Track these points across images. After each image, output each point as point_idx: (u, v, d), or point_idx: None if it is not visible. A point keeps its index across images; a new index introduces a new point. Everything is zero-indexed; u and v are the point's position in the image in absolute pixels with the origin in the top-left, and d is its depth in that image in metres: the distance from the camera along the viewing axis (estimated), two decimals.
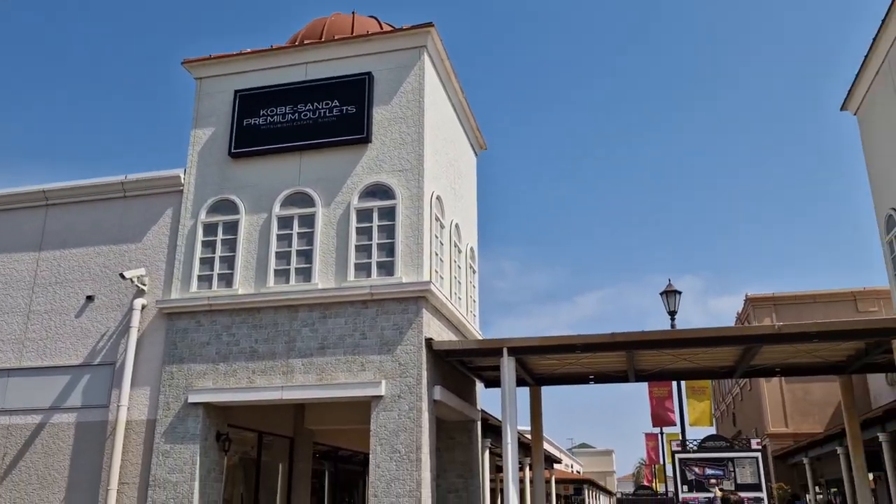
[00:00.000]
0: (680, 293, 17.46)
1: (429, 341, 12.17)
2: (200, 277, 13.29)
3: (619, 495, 50.39)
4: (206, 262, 13.37)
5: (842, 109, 16.67)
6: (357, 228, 12.93)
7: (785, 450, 28.95)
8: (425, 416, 11.72)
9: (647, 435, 36.74)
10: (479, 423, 15.43)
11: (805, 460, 26.37)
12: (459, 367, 14.12)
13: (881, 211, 15.21)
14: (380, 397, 11.83)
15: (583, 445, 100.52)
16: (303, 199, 13.36)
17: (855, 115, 16.37)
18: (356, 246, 12.83)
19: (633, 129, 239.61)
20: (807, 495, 30.33)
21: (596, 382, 15.32)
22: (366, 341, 12.23)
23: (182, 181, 13.98)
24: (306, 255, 13.01)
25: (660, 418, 19.32)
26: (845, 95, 16.23)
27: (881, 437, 17.95)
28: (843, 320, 11.08)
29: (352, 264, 12.70)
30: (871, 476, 27.90)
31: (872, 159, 15.68)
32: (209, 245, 13.48)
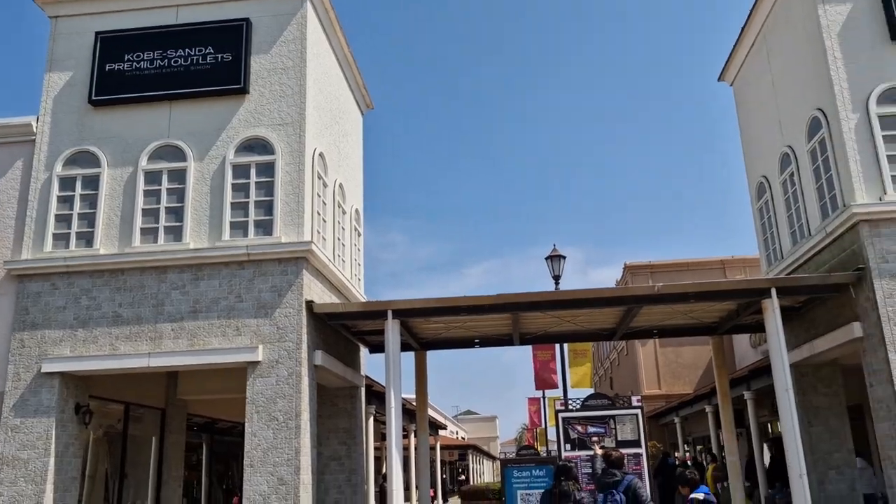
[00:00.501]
0: (564, 258, 17.67)
1: (309, 304, 11.62)
2: (56, 236, 12.11)
3: (502, 456, 51.63)
4: (63, 220, 12.19)
5: (719, 80, 17.19)
6: (233, 185, 12.12)
7: (657, 410, 30.37)
8: (305, 381, 11.21)
9: (529, 399, 37.63)
10: (363, 390, 15.05)
11: (676, 420, 27.74)
12: (343, 331, 13.65)
13: (752, 179, 15.84)
14: (256, 363, 11.21)
15: (468, 412, 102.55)
16: (173, 153, 12.38)
17: (731, 85, 16.92)
18: (232, 203, 12.04)
19: (526, 112, 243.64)
20: (676, 453, 32.01)
21: (482, 346, 15.26)
22: (242, 304, 11.52)
23: (34, 130, 12.63)
24: (177, 213, 12.10)
25: (543, 381, 19.66)
26: (723, 66, 16.72)
27: (746, 395, 18.97)
28: (719, 281, 11.39)
29: (227, 223, 11.91)
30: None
31: (746, 129, 16.28)
32: (66, 201, 12.29)
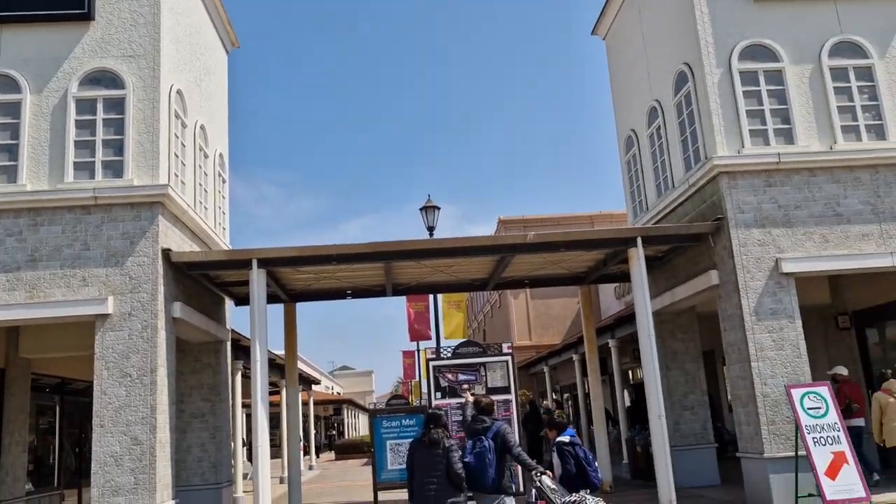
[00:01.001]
0: (438, 209, 17.51)
1: (166, 252, 10.81)
2: None
3: (372, 406, 51.82)
4: None
5: (592, 34, 17.35)
6: (77, 121, 10.98)
7: (528, 360, 31.28)
8: (162, 335, 10.46)
9: (404, 353, 37.79)
10: (229, 344, 14.36)
11: (545, 369, 28.68)
12: (205, 282, 12.86)
13: (622, 133, 16.19)
14: (106, 316, 10.33)
15: (344, 368, 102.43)
16: (6, 84, 11.04)
17: (604, 39, 17.12)
18: (76, 142, 10.92)
19: (404, 65, 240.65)
20: (544, 401, 33.23)
21: (354, 297, 14.89)
22: (88, 253, 10.55)
23: None
24: (10, 151, 10.84)
25: (417, 333, 19.62)
26: (596, 20, 16.85)
27: (611, 342, 19.73)
28: (588, 230, 11.55)
29: (70, 163, 10.81)
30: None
31: (617, 83, 16.56)
32: None
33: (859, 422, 12.27)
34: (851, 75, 12.01)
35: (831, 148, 11.64)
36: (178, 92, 12.05)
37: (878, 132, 11.83)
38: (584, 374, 24.72)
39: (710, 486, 13.61)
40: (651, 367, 11.25)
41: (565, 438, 8.16)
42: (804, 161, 11.49)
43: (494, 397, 8.80)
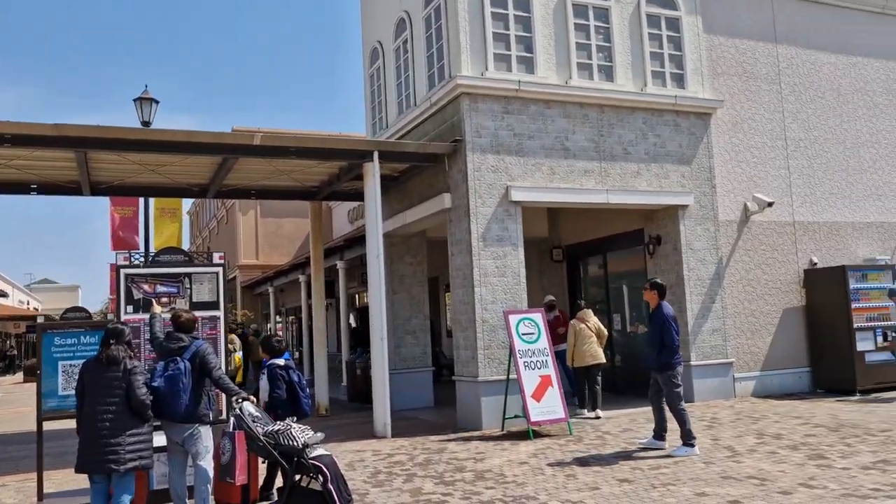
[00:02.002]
0: (157, 102, 15.33)
1: None
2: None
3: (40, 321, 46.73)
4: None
5: None
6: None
7: (254, 280, 29.88)
8: None
9: (112, 266, 34.11)
10: None
11: (270, 290, 27.55)
12: None
13: (367, 44, 15.28)
14: None
15: (45, 281, 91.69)
16: None
17: None
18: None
19: None
20: (268, 323, 32.19)
21: (39, 193, 12.45)
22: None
23: None
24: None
25: (122, 241, 17.32)
26: None
27: (339, 264, 19.22)
28: (323, 137, 10.60)
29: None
30: (325, 302, 30.84)
31: None
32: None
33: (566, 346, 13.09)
34: (590, 13, 12.25)
35: (566, 83, 11.84)
36: None
37: (608, 73, 12.28)
38: (311, 296, 24.16)
39: (426, 408, 13.77)
40: (378, 287, 10.77)
41: (279, 361, 7.33)
42: (541, 92, 11.56)
43: (199, 313, 7.64)
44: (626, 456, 8.42)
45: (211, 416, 6.45)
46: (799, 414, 10.77)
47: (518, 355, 10.17)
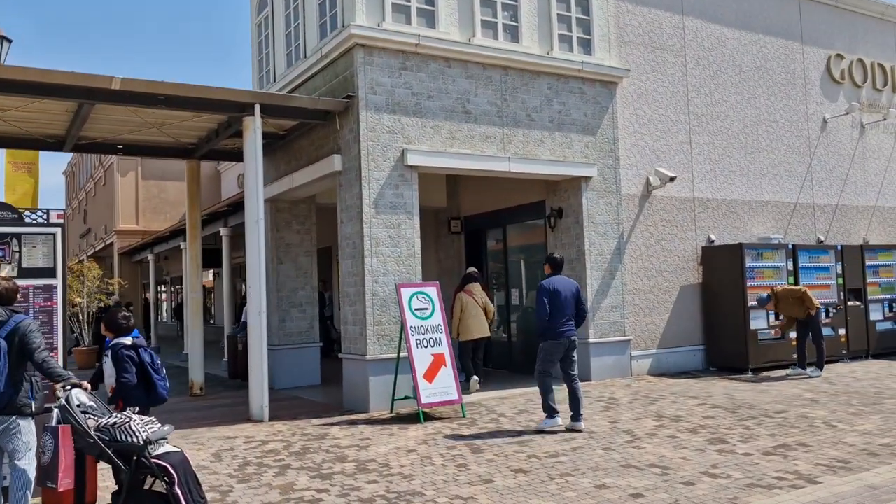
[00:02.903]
0: (10, 41, 13.46)
1: None
2: None
3: None
4: None
5: None
6: None
7: (132, 246, 27.82)
8: None
9: None
10: None
11: (150, 257, 25.66)
12: None
13: None
14: None
15: None
16: None
17: None
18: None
19: None
20: (147, 294, 30.16)
21: None
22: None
23: None
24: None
25: None
26: None
27: (223, 231, 17.85)
28: (197, 85, 9.37)
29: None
30: (211, 274, 29.13)
31: None
32: None
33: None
34: None
35: (469, 40, 11.02)
36: None
37: (514, 34, 11.54)
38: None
39: (312, 386, 12.85)
40: (256, 256, 9.71)
41: (126, 340, 6.22)
42: (442, 49, 10.69)
43: (31, 282, 6.43)
44: (522, 442, 7.82)
45: (34, 406, 5.33)
46: (695, 394, 10.55)
47: (410, 332, 9.39)
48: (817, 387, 10.87)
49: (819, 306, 12.10)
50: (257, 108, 9.76)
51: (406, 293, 9.59)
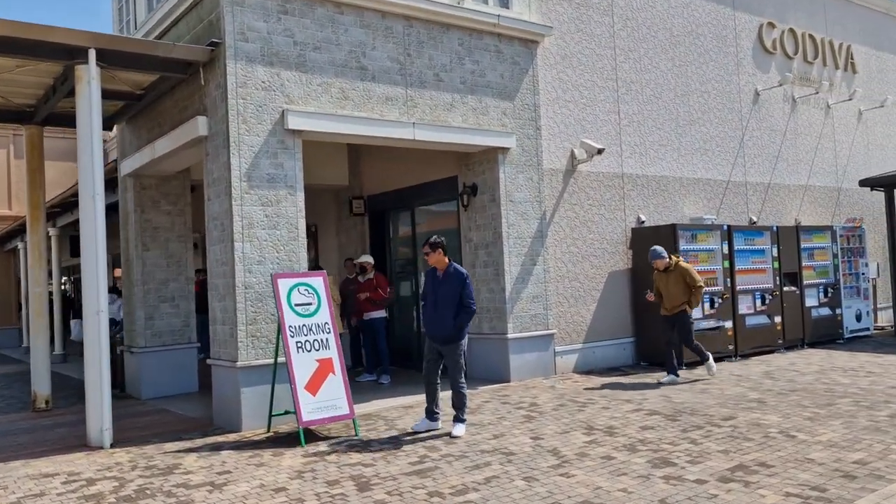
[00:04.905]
0: None
1: None
2: None
3: None
4: None
5: None
6: None
7: (4, 231, 24.85)
8: None
9: None
10: None
11: (21, 246, 22.82)
12: None
13: None
14: None
15: None
16: None
17: None
18: None
19: None
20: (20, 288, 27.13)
21: None
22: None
23: None
24: None
25: None
26: None
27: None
28: (16, 22, 7.29)
29: None
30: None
31: None
32: None
33: (381, 313, 11.05)
34: None
35: None
36: None
37: None
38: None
39: (186, 395, 10.90)
40: (92, 240, 7.71)
41: None
42: None
43: None
44: (423, 471, 6.19)
45: None
46: (629, 396, 9.16)
47: (288, 333, 7.62)
48: (761, 384, 9.68)
49: (700, 299, 10.39)
50: (92, 53, 7.71)
51: (284, 285, 7.80)
